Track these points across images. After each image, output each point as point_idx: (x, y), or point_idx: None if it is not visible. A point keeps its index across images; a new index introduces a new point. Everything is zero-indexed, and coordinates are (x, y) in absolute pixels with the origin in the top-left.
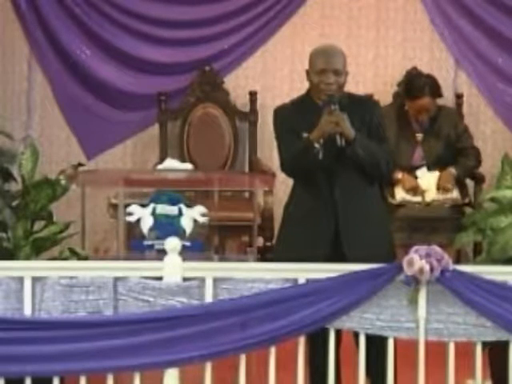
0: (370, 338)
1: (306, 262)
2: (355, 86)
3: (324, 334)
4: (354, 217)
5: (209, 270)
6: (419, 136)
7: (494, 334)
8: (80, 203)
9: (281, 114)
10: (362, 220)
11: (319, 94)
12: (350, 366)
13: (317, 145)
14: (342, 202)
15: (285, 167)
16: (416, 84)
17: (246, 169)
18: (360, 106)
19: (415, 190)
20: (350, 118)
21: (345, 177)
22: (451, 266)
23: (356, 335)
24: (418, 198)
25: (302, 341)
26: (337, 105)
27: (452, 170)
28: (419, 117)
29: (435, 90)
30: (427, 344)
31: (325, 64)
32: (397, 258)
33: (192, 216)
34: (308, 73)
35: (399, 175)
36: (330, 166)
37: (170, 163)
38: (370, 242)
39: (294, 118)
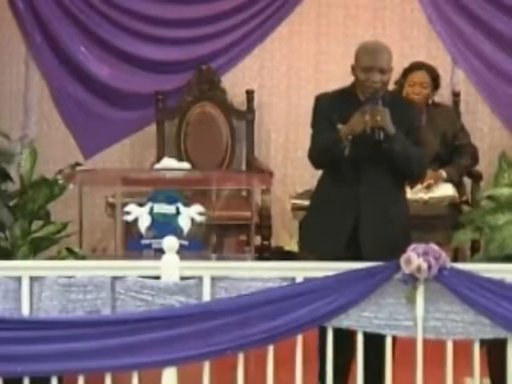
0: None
1: (323, 253)
2: None
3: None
4: (376, 214)
5: (206, 268)
6: None
7: (491, 332)
8: (77, 203)
9: (321, 102)
10: (383, 218)
11: (363, 90)
12: None
13: (345, 141)
14: (365, 198)
15: (311, 156)
16: (414, 62)
17: (244, 167)
18: (401, 107)
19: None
20: (391, 116)
21: (372, 174)
22: (449, 264)
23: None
24: (415, 195)
25: (300, 339)
26: (380, 101)
27: (442, 173)
28: (414, 95)
29: (433, 71)
30: (425, 342)
31: (371, 62)
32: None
33: (190, 215)
34: (353, 68)
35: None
36: (360, 162)
37: (168, 162)
38: (388, 241)
39: (333, 108)
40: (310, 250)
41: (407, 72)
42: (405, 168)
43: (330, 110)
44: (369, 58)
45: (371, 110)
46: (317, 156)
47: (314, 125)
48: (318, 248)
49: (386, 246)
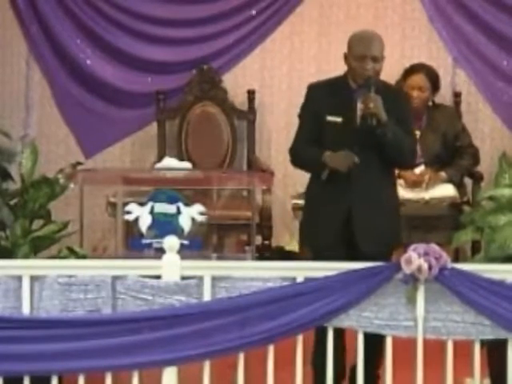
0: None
1: (319, 245)
2: None
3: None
4: (368, 202)
5: (207, 268)
6: (417, 134)
7: (492, 333)
8: (78, 202)
9: (311, 92)
10: (375, 206)
11: (356, 79)
12: None
13: (326, 169)
14: (357, 187)
15: (291, 153)
16: (414, 64)
17: (245, 167)
18: (392, 96)
19: (418, 183)
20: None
21: (363, 162)
22: (449, 265)
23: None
24: (416, 195)
25: (300, 339)
26: (373, 88)
27: (442, 174)
28: (412, 99)
29: (433, 73)
30: (425, 342)
31: (364, 50)
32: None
33: (190, 215)
34: (346, 57)
35: (396, 172)
36: (350, 150)
37: (169, 162)
38: (381, 228)
39: (324, 99)
40: (306, 244)
41: (407, 74)
42: (397, 156)
43: (320, 100)
44: (362, 47)
45: (364, 97)
46: (296, 161)
47: (300, 116)
48: (313, 241)
49: (379, 234)
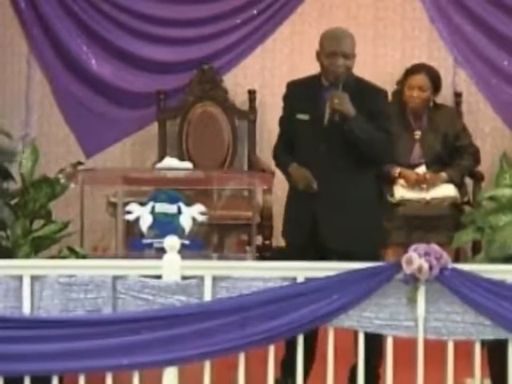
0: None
1: (290, 241)
2: None
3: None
4: (335, 202)
5: (208, 268)
6: (417, 134)
7: (492, 333)
8: (79, 202)
9: (288, 90)
10: (341, 206)
11: (328, 76)
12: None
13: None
14: (322, 183)
15: (274, 156)
16: (416, 64)
17: (245, 167)
18: (366, 92)
19: (420, 182)
20: (353, 101)
21: (331, 162)
22: (450, 265)
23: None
24: (417, 196)
25: (300, 339)
26: (340, 86)
27: (442, 175)
28: (413, 99)
29: (434, 74)
30: (426, 342)
31: (335, 47)
32: (379, 253)
33: (191, 214)
34: (318, 54)
35: (397, 172)
36: (318, 146)
37: (169, 162)
38: (348, 226)
39: (298, 97)
40: (284, 238)
41: (408, 74)
42: (367, 151)
43: (296, 98)
44: (332, 44)
45: (331, 95)
46: (276, 164)
47: (282, 112)
48: (286, 236)
49: (349, 233)
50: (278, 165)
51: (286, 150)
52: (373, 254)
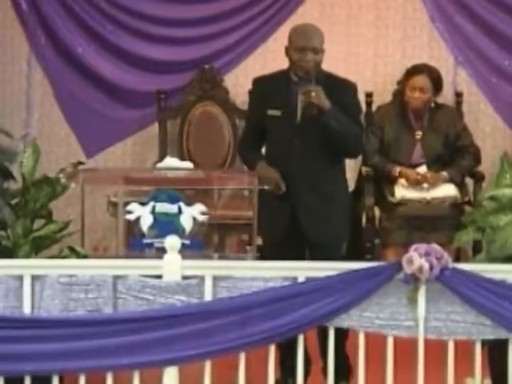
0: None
1: (268, 234)
2: None
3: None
4: (311, 196)
5: (208, 268)
6: (418, 134)
7: (493, 333)
8: (79, 201)
9: (256, 86)
10: (317, 196)
11: (297, 71)
12: None
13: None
14: (298, 177)
15: (239, 151)
16: (417, 65)
17: (246, 167)
18: (337, 86)
19: (421, 181)
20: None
21: (305, 156)
22: (450, 265)
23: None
24: (418, 195)
25: (300, 339)
26: (313, 80)
27: (443, 174)
28: (413, 100)
29: (435, 74)
30: (426, 342)
31: (304, 42)
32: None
33: (191, 214)
34: (287, 50)
35: (398, 172)
36: (291, 140)
37: (170, 162)
38: (326, 218)
39: (266, 92)
40: (262, 236)
41: (409, 75)
42: (343, 144)
43: (263, 93)
44: (302, 39)
45: (304, 89)
46: (241, 160)
47: (248, 109)
48: (264, 233)
49: (324, 224)
50: (244, 161)
51: (253, 147)
52: (341, 244)
